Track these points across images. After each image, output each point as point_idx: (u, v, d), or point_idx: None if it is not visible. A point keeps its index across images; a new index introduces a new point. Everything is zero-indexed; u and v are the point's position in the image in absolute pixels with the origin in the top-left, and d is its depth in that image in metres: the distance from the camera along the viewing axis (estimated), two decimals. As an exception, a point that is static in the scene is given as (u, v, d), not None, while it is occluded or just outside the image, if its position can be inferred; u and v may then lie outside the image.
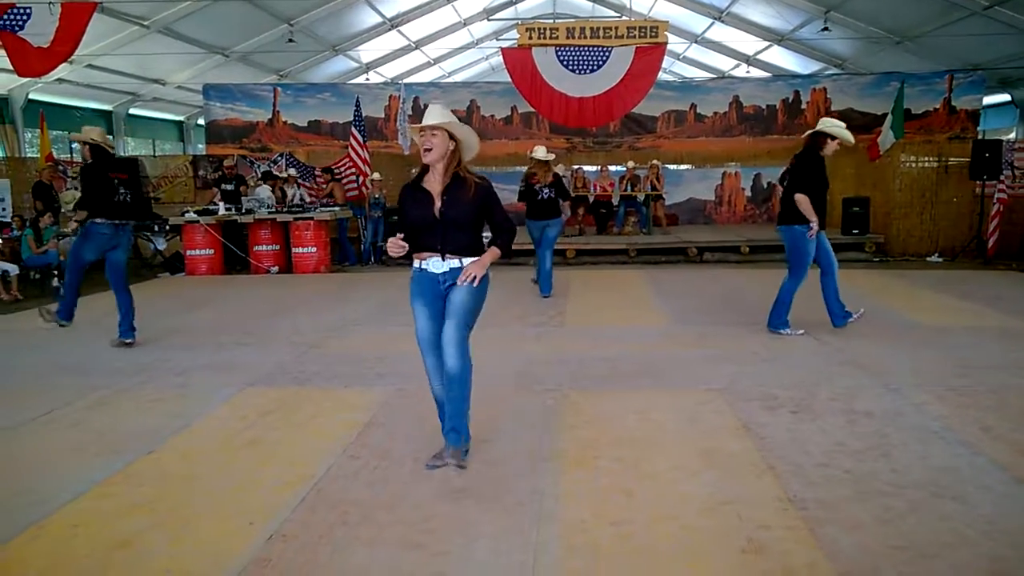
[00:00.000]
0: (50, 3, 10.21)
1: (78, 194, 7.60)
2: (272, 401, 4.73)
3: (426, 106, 3.91)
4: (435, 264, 3.51)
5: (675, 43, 19.84)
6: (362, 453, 3.83)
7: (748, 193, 16.46)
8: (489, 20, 20.61)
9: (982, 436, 3.89)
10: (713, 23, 19.07)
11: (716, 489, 3.31)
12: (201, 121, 19.76)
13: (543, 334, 6.71)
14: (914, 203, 12.26)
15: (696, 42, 21.29)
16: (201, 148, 20.63)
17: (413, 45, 20.75)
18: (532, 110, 14.82)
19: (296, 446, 3.96)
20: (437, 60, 23.34)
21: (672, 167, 16.38)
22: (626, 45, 12.30)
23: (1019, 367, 5.22)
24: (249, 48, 16.94)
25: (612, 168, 14.60)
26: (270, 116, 16.98)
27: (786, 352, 5.78)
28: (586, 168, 15.20)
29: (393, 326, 6.90)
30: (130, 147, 20.00)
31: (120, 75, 16.48)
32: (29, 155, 14.79)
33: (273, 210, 11.59)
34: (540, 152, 8.67)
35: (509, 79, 13.27)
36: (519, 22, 14.46)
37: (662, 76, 17.48)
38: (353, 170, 12.93)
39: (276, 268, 11.36)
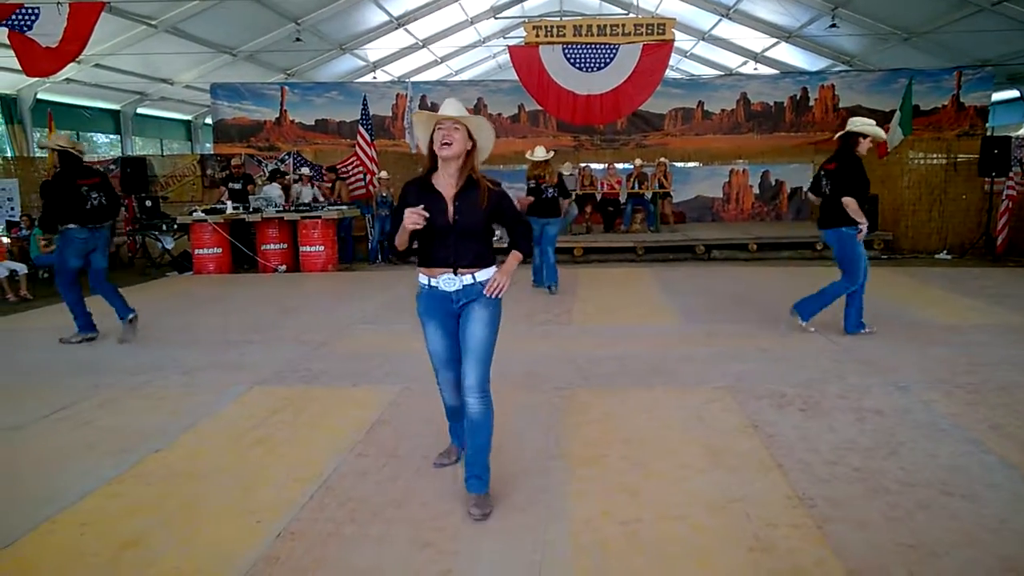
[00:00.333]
0: (58, 3, 10.25)
1: None
2: (280, 400, 4.75)
3: (434, 105, 3.79)
4: (447, 282, 3.14)
5: (682, 40, 19.78)
6: (370, 451, 3.84)
7: (756, 191, 16.40)
8: (496, 18, 20.59)
9: (991, 434, 3.88)
10: (720, 20, 19.01)
11: (724, 487, 3.31)
12: (209, 120, 19.79)
13: (550, 332, 6.70)
14: (922, 200, 12.21)
15: (703, 39, 21.22)
16: (209, 147, 20.71)
17: (420, 43, 20.75)
18: (539, 108, 14.80)
19: (304, 444, 3.97)
20: (444, 58, 23.34)
21: (679, 165, 16.33)
22: (633, 42, 12.26)
23: (1029, 365, 5.19)
24: (256, 47, 16.98)
25: (619, 166, 14.56)
26: (277, 115, 17.00)
27: (795, 350, 5.77)
28: (593, 166, 15.18)
29: (401, 325, 6.91)
30: (138, 146, 20.08)
31: (128, 75, 16.53)
32: (38, 155, 14.83)
33: (281, 209, 11.62)
34: (540, 152, 8.80)
35: (516, 77, 13.26)
36: (526, 20, 14.46)
37: (669, 73, 17.42)
38: (361, 169, 12.94)
39: (284, 267, 11.38)
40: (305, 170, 13.32)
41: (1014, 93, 17.32)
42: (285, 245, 11.50)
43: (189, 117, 22.63)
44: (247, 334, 6.77)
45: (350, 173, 13.12)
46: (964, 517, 2.98)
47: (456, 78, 24.38)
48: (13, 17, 10.22)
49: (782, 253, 11.94)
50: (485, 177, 3.23)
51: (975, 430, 3.93)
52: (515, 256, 3.25)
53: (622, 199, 13.81)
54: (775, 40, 19.10)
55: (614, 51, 12.30)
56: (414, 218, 3.00)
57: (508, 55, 14.00)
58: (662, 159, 14.01)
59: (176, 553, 2.85)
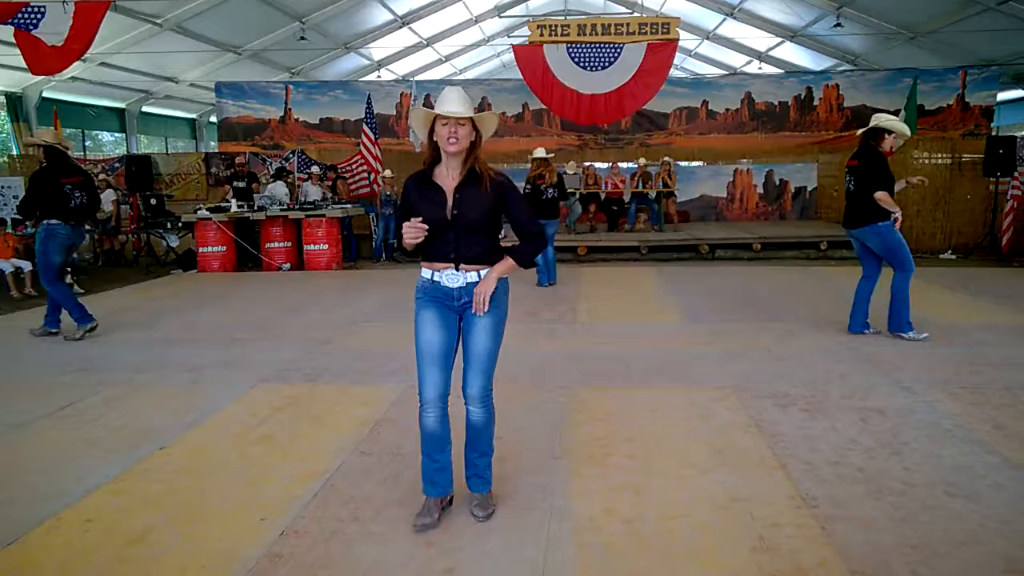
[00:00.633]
0: (64, 1, 10.28)
1: None
2: (284, 397, 4.76)
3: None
4: (450, 278, 2.99)
5: (687, 39, 19.81)
6: (374, 449, 3.85)
7: (760, 190, 16.36)
8: (500, 17, 20.62)
9: (995, 434, 3.87)
10: (725, 19, 19.03)
11: (727, 487, 3.31)
12: (213, 119, 19.88)
13: (554, 331, 6.70)
14: (927, 200, 12.17)
15: (708, 38, 21.25)
16: (213, 145, 20.78)
17: (424, 42, 20.79)
18: (543, 107, 14.81)
19: (308, 442, 3.98)
20: (448, 57, 23.39)
21: (684, 164, 16.32)
22: (637, 42, 12.26)
23: (1034, 365, 5.18)
24: (261, 46, 17.03)
25: (623, 165, 14.55)
26: (282, 114, 17.04)
27: (798, 350, 5.76)
28: (597, 165, 15.17)
29: (404, 323, 6.82)
30: (143, 144, 20.15)
31: (133, 73, 16.60)
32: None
33: (285, 207, 11.64)
34: (540, 152, 8.89)
35: (520, 76, 13.26)
36: (530, 19, 14.49)
37: (674, 73, 17.40)
38: (365, 167, 12.96)
39: (288, 265, 11.40)
40: (315, 168, 13.35)
41: (1019, 93, 17.31)
42: (289, 243, 11.52)
43: (194, 115, 22.71)
44: (251, 332, 6.78)
45: (353, 172, 13.14)
46: (968, 518, 2.98)
47: (460, 77, 24.42)
48: (19, 15, 10.26)
49: (786, 253, 11.91)
50: (492, 169, 3.06)
51: (979, 431, 3.93)
52: (506, 263, 3.03)
53: (626, 198, 13.80)
54: (780, 39, 19.10)
55: (618, 50, 12.30)
56: (413, 233, 2.90)
57: (512, 54, 14.01)
58: (666, 158, 13.98)
59: (180, 550, 2.86)
